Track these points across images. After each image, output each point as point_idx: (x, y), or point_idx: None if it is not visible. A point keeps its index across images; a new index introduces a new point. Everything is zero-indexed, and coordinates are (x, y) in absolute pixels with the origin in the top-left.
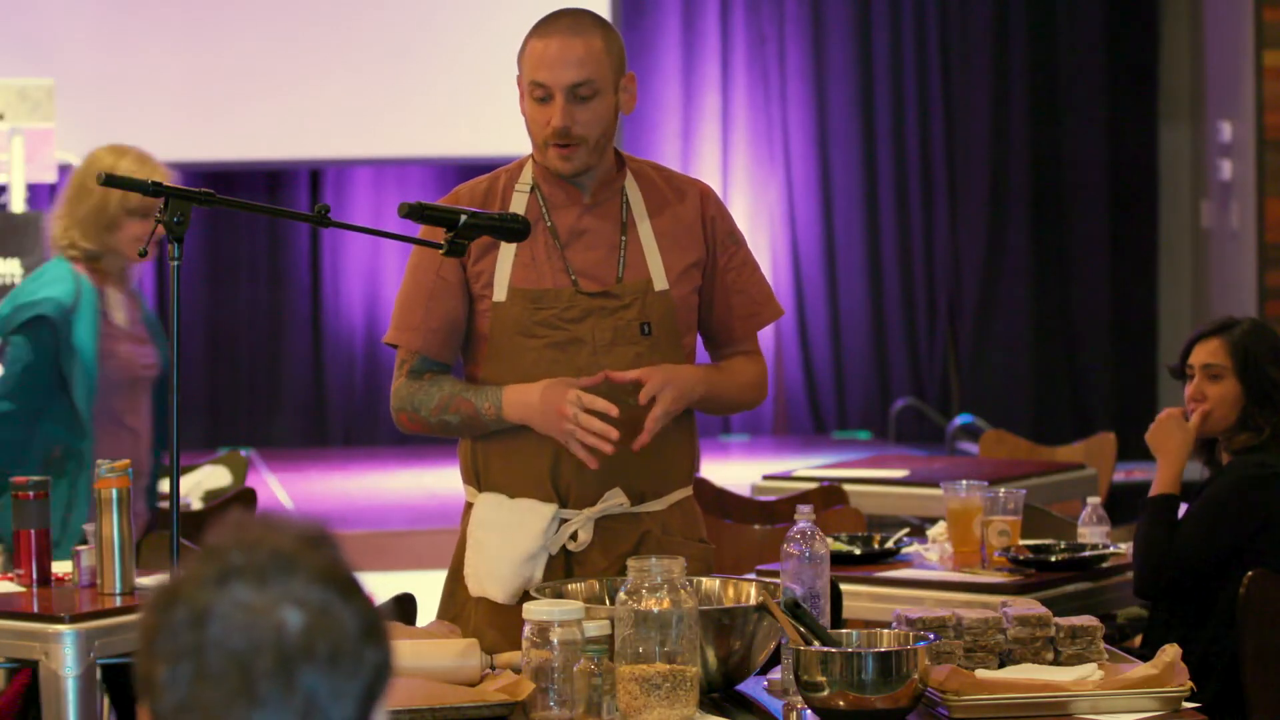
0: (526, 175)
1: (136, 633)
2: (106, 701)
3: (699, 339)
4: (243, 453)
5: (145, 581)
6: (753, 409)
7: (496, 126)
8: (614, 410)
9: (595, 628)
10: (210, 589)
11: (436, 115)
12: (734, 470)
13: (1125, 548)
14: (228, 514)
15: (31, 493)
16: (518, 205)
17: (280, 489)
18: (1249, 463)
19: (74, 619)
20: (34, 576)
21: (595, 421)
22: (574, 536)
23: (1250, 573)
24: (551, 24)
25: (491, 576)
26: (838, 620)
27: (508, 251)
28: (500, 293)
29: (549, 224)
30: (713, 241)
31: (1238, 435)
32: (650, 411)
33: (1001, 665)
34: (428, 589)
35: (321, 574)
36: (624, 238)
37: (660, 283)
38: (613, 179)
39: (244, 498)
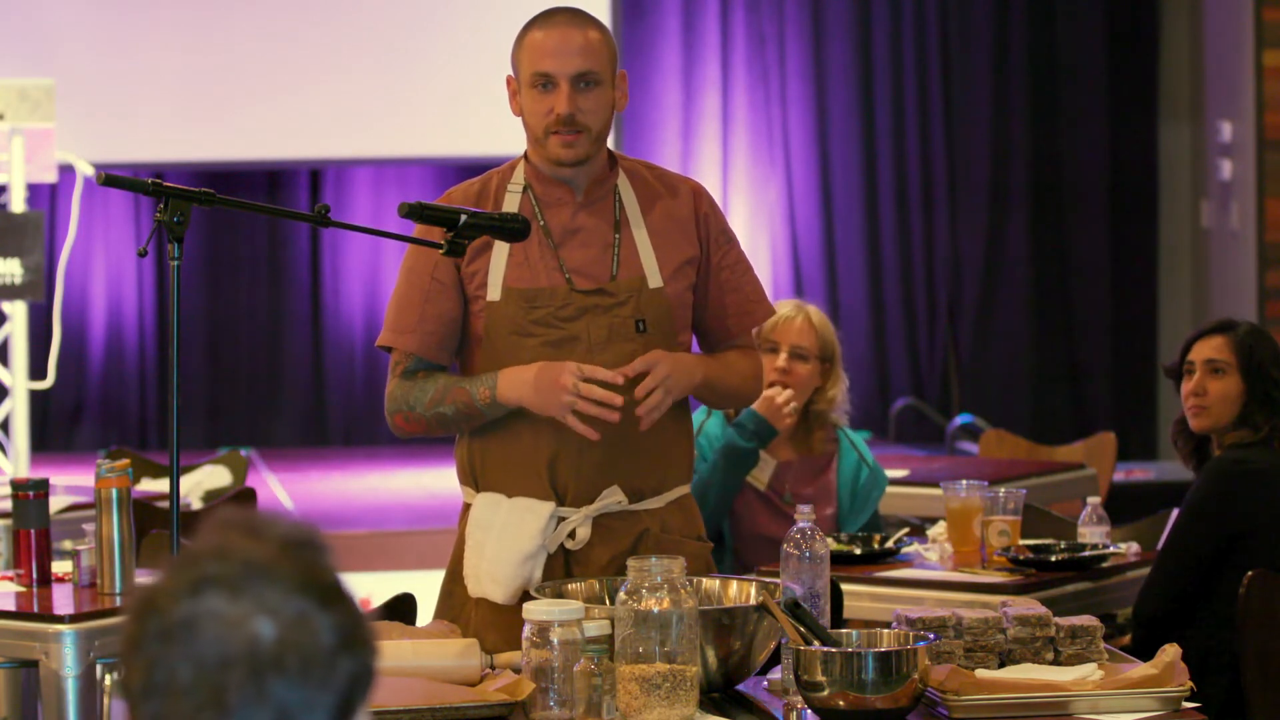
0: (519, 176)
1: (118, 640)
2: (107, 701)
3: (693, 336)
4: (243, 453)
5: (145, 581)
6: (750, 402)
7: (496, 126)
8: (619, 379)
9: (595, 628)
10: (184, 599)
11: (436, 115)
12: None
13: (1125, 548)
14: (217, 513)
15: (31, 493)
16: (510, 206)
17: (280, 489)
18: (1228, 460)
19: (74, 619)
20: (34, 576)
21: (597, 390)
22: (572, 535)
23: (1250, 573)
24: (550, 17)
25: (491, 577)
26: (838, 620)
27: (501, 251)
28: (494, 292)
29: (542, 223)
30: (706, 239)
31: (1233, 432)
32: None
33: (1001, 665)
34: (428, 589)
35: (299, 582)
36: (618, 235)
37: (655, 280)
38: (605, 177)
39: (244, 498)
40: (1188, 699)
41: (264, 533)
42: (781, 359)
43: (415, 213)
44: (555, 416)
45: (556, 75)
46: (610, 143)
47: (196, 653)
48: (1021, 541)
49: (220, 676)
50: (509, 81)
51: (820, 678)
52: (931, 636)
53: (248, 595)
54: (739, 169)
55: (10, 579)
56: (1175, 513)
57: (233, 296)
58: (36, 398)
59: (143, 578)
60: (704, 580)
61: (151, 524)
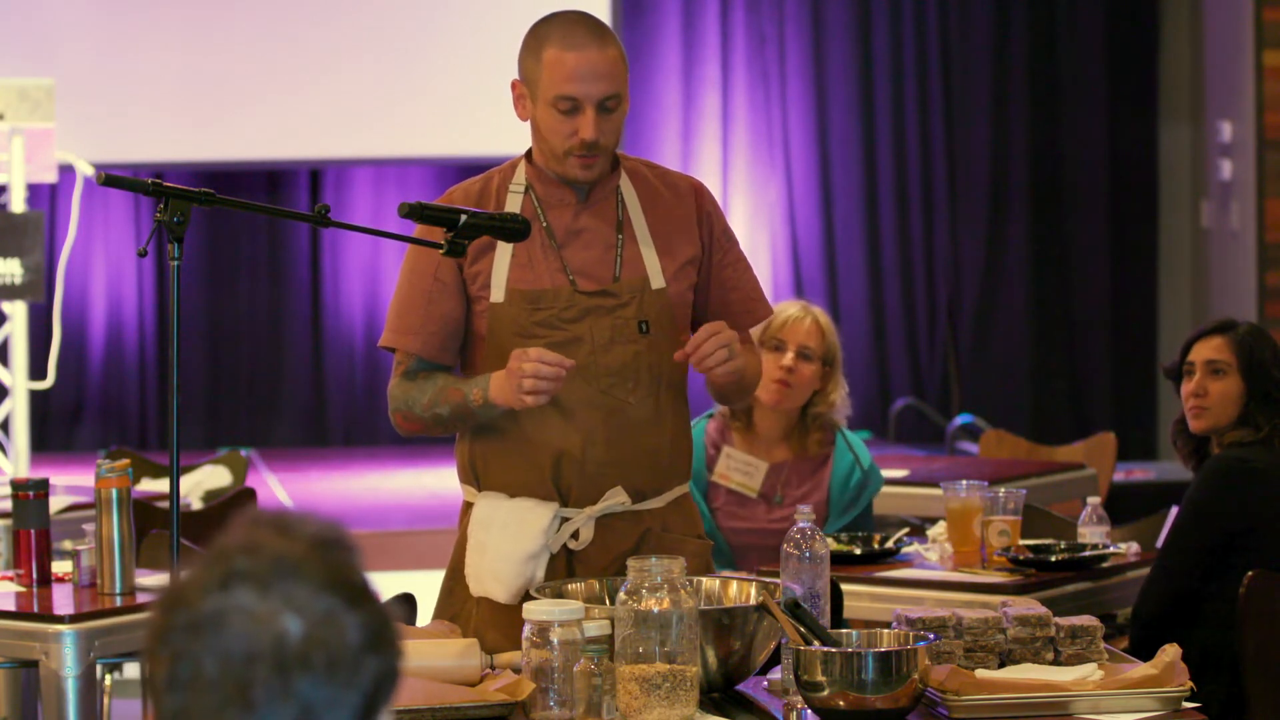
0: (520, 176)
1: (144, 633)
2: (107, 701)
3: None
4: (243, 453)
5: (145, 581)
6: (750, 394)
7: (496, 126)
8: (568, 361)
9: (595, 628)
10: (212, 593)
11: (436, 115)
12: None
13: (1125, 548)
14: (247, 510)
15: (31, 493)
16: (512, 206)
17: (280, 489)
18: (1229, 458)
19: (74, 619)
20: (34, 576)
21: (544, 369)
22: (575, 535)
23: (1250, 573)
24: (572, 33)
25: (493, 576)
26: (838, 620)
27: (504, 252)
28: (498, 293)
29: (545, 224)
30: (708, 238)
31: (1233, 431)
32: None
33: (1001, 665)
34: (428, 589)
35: (327, 581)
36: (620, 236)
37: (657, 280)
38: (607, 178)
39: (244, 498)
40: (1188, 699)
41: (294, 531)
42: (788, 358)
43: (415, 213)
44: (523, 405)
45: (583, 101)
46: None
47: (223, 647)
48: (1021, 541)
49: (246, 672)
50: (514, 86)
51: (820, 678)
52: (931, 636)
53: (276, 592)
54: (739, 169)
55: (10, 579)
56: (1174, 510)
57: (233, 296)
58: (36, 398)
59: (142, 578)
60: (704, 580)
61: (151, 524)
